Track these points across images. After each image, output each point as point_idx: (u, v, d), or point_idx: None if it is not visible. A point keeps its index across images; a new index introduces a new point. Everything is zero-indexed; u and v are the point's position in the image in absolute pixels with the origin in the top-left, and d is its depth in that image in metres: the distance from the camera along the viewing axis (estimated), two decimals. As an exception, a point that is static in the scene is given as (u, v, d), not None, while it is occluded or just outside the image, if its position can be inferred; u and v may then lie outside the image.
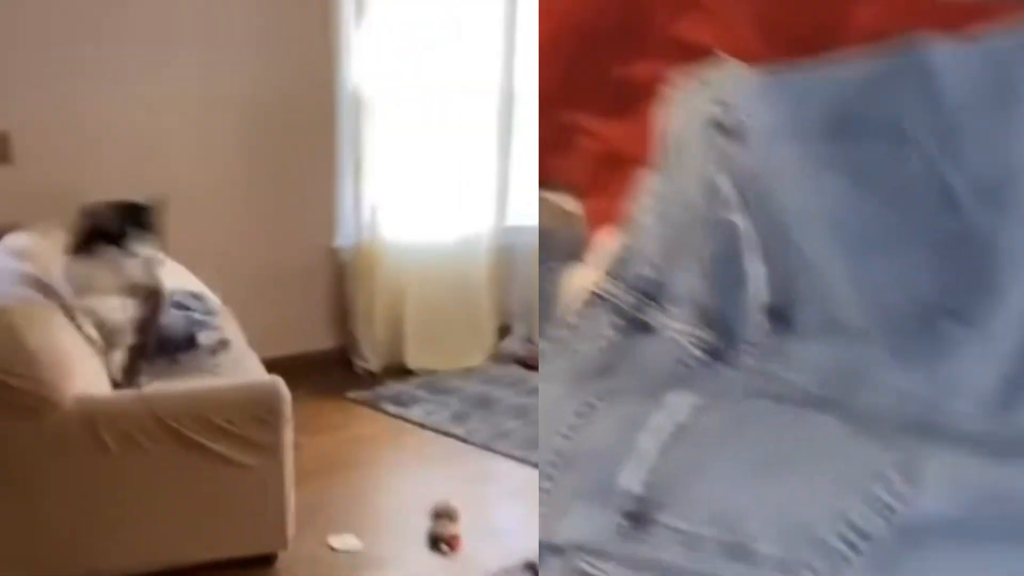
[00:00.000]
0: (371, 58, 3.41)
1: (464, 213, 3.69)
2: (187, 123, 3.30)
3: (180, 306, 2.94)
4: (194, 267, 3.14)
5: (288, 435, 2.17)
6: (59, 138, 3.09)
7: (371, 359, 3.61)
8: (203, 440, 2.05)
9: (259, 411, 2.10)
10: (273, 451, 2.13)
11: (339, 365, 3.62)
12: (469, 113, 3.62)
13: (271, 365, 3.26)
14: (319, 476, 2.72)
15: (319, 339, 3.65)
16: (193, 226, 3.34)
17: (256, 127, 3.40)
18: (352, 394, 3.41)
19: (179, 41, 3.22)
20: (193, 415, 2.06)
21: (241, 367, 2.57)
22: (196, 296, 3.02)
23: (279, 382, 2.15)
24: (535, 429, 2.92)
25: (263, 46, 3.35)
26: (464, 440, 3.06)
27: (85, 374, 2.08)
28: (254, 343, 2.92)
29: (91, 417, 1.98)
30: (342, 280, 3.62)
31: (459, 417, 3.22)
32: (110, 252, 2.32)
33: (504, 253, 3.79)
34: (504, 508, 2.68)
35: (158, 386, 2.14)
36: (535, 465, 2.61)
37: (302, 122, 3.45)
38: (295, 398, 3.33)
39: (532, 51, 3.70)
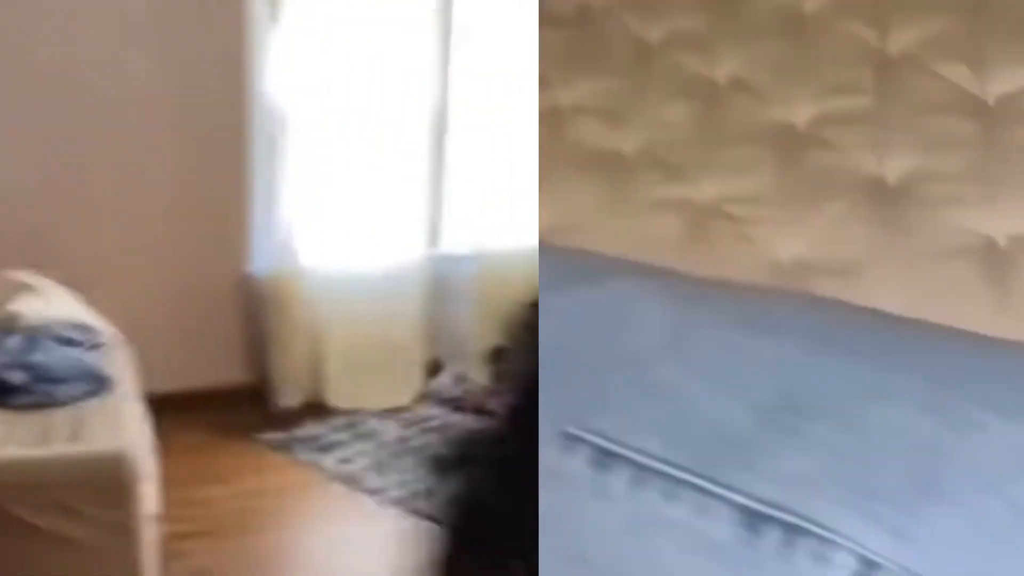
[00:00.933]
0: (289, 67, 3.08)
1: (392, 239, 3.38)
2: (80, 128, 2.98)
3: (62, 340, 2.64)
4: (91, 293, 2.84)
5: (143, 510, 1.86)
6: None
7: (289, 396, 3.29)
8: (35, 520, 1.74)
9: (102, 487, 1.79)
10: (123, 530, 1.83)
11: (254, 402, 3.28)
12: (397, 130, 3.30)
13: (178, 400, 2.97)
14: (208, 538, 2.42)
15: (232, 373, 3.32)
16: (89, 247, 3.05)
17: (157, 138, 3.07)
18: (265, 435, 3.09)
19: (72, 44, 2.92)
20: (22, 488, 1.74)
21: (115, 416, 2.24)
22: (82, 327, 2.71)
23: (126, 453, 1.84)
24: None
25: (167, 46, 3.02)
26: (378, 496, 2.74)
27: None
28: (158, 377, 2.66)
29: None
30: (256, 309, 3.29)
31: (377, 468, 2.90)
32: None
33: (436, 283, 3.49)
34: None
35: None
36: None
37: (211, 134, 3.12)
38: (199, 439, 3.00)
39: (467, 64, 3.33)
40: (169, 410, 2.69)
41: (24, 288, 2.69)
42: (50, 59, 2.90)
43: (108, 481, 1.79)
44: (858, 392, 0.92)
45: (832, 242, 1.54)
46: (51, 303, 2.74)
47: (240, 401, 3.27)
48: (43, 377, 2.43)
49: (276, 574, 2.44)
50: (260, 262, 3.26)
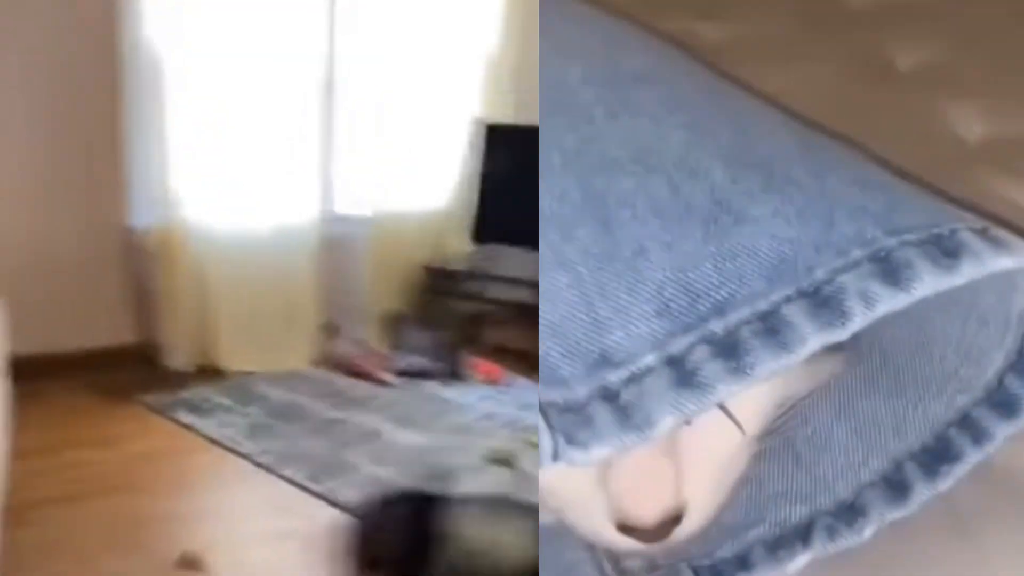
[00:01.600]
0: (172, 10, 2.94)
1: (282, 197, 3.26)
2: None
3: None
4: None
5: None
6: None
7: (178, 357, 3.18)
8: None
9: None
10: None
11: (143, 363, 3.18)
12: (286, 83, 3.19)
13: (58, 362, 2.88)
14: (65, 505, 2.28)
15: (118, 333, 3.18)
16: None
17: (30, 80, 2.89)
18: (149, 398, 2.97)
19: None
20: None
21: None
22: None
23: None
24: (334, 453, 2.63)
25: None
26: (251, 460, 2.62)
27: None
28: (37, 337, 2.58)
29: None
30: (140, 265, 3.16)
31: (256, 431, 2.79)
32: None
33: (331, 244, 3.38)
34: (267, 553, 2.17)
35: None
36: (323, 497, 2.35)
37: (83, 77, 2.95)
38: (78, 401, 2.84)
39: (356, 15, 3.08)
40: (47, 372, 2.66)
41: None
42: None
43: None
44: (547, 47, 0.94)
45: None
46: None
47: (127, 363, 3.14)
48: None
49: (131, 540, 2.20)
50: (140, 215, 3.11)
